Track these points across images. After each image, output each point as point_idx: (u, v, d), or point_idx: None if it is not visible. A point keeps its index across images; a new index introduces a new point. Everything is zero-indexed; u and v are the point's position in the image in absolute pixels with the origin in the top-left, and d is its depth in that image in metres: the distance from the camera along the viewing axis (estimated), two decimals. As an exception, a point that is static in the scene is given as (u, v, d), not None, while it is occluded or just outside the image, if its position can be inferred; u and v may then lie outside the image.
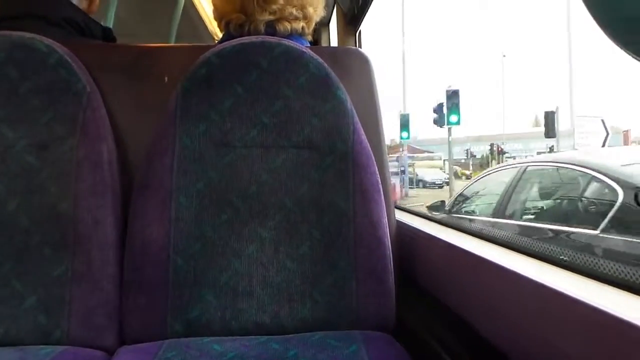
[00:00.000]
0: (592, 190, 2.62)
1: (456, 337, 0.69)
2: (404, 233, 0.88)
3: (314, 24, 0.93)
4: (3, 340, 0.70)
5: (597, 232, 2.34)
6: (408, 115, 18.07)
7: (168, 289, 0.72)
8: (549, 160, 3.64)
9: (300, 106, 0.76)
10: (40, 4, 0.97)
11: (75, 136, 0.75)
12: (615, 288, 0.47)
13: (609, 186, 2.45)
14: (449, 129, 14.41)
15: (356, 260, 0.74)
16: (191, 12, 3.11)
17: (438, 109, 14.43)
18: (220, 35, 0.94)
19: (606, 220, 2.30)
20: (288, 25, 0.86)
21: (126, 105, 0.85)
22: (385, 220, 0.77)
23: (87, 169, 0.74)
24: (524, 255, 0.62)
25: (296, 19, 0.88)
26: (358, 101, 0.81)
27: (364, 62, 0.90)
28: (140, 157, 0.77)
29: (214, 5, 0.91)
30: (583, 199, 2.65)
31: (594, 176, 2.59)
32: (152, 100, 0.85)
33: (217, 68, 0.76)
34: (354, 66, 0.90)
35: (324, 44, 2.39)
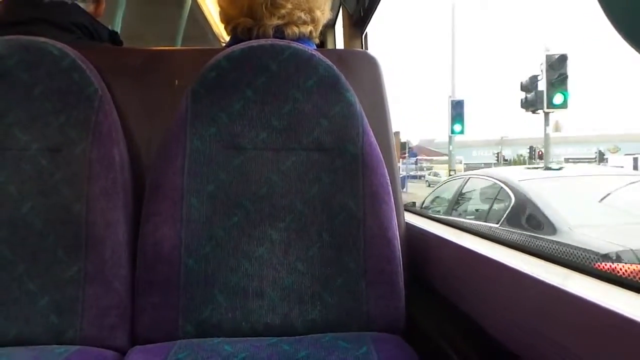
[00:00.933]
0: (500, 196, 3.70)
1: (466, 339, 0.69)
2: (413, 235, 0.88)
3: (321, 27, 0.94)
4: (17, 340, 0.70)
5: (497, 225, 3.45)
6: (462, 101, 13.90)
7: (179, 290, 0.72)
8: (480, 173, 4.95)
9: (310, 108, 0.77)
10: (50, 9, 0.98)
11: (88, 139, 0.75)
12: (628, 290, 0.47)
13: (508, 194, 3.54)
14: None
15: (366, 262, 0.74)
16: (197, 14, 3.13)
17: (531, 84, 9.46)
18: (226, 37, 0.95)
19: (502, 218, 3.45)
20: (296, 30, 0.86)
21: (137, 108, 0.86)
22: (395, 222, 0.77)
23: (99, 171, 0.75)
24: (534, 257, 0.62)
25: (304, 23, 0.88)
26: (367, 103, 0.81)
27: (372, 64, 0.91)
28: (151, 160, 0.78)
29: (220, 8, 0.91)
30: (495, 202, 3.76)
31: (501, 187, 3.68)
32: (163, 103, 0.85)
33: (227, 71, 0.76)
34: (363, 68, 0.90)
35: (329, 46, 2.40)
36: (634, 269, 2.37)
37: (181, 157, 0.74)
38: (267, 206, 0.75)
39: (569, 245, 2.63)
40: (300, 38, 0.88)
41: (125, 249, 0.74)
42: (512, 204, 3.44)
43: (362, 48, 1.88)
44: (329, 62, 0.78)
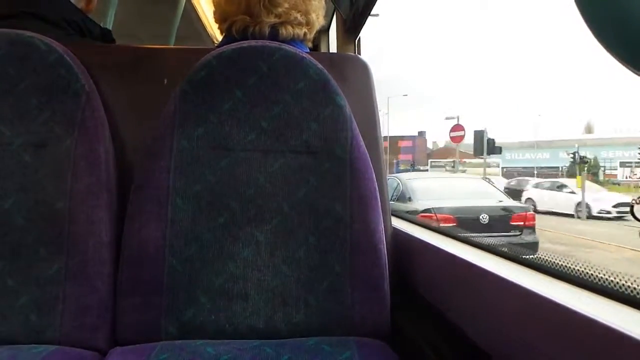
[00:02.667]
0: (397, 186, 6.52)
1: (450, 345, 0.69)
2: (399, 240, 0.88)
3: (315, 31, 0.94)
4: None
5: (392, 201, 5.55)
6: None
7: (162, 291, 0.72)
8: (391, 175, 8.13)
9: (299, 111, 0.77)
10: (40, 3, 0.97)
11: (73, 135, 0.74)
12: (603, 297, 0.47)
13: (399, 185, 6.59)
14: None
15: (352, 266, 0.74)
16: (191, 14, 3.12)
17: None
18: (219, 38, 0.95)
19: (393, 196, 6.16)
20: (291, 30, 0.87)
21: (125, 105, 0.85)
22: (382, 226, 0.77)
23: (84, 168, 0.74)
24: (518, 264, 0.63)
25: (299, 24, 0.88)
26: (356, 107, 0.81)
27: (363, 68, 0.91)
28: (137, 158, 0.77)
29: (216, 5, 0.91)
30: (394, 190, 6.35)
31: (398, 182, 6.65)
32: (151, 101, 0.85)
33: (216, 71, 0.76)
34: (353, 72, 0.90)
35: (323, 50, 2.41)
36: (427, 214, 5.55)
37: (168, 156, 0.74)
38: (254, 208, 0.75)
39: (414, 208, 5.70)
40: (295, 39, 0.88)
41: (108, 248, 0.73)
42: (400, 190, 6.42)
43: (355, 52, 1.88)
44: (320, 66, 0.78)
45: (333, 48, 2.19)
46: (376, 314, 0.75)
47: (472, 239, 0.78)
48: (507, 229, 5.64)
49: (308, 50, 0.91)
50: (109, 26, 2.05)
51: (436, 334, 0.74)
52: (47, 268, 0.71)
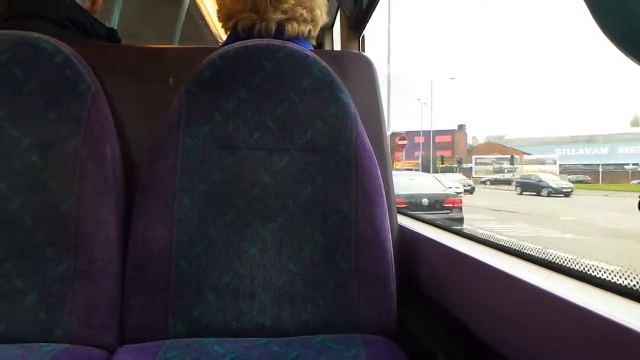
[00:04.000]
0: None
1: (457, 342, 0.69)
2: (405, 237, 0.88)
3: (319, 27, 0.94)
4: (4, 338, 0.70)
5: None
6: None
7: (170, 289, 0.72)
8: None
9: (304, 109, 0.77)
10: (46, 4, 0.98)
11: (80, 136, 0.75)
12: (613, 294, 0.47)
13: None
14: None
15: (358, 264, 0.74)
16: (195, 14, 3.13)
17: None
18: (224, 37, 0.95)
19: None
20: (297, 27, 0.87)
21: (131, 105, 0.86)
22: (388, 224, 0.77)
23: (90, 168, 0.74)
24: (525, 261, 0.62)
25: (305, 21, 0.89)
26: (361, 105, 0.81)
27: (367, 66, 0.91)
28: (143, 158, 0.77)
29: (221, 5, 0.91)
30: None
31: None
32: (157, 101, 0.85)
33: (221, 70, 0.76)
34: (358, 70, 0.90)
35: (327, 48, 2.40)
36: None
37: (174, 155, 0.74)
38: (260, 206, 0.75)
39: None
40: (300, 36, 0.89)
41: (116, 248, 0.74)
42: None
43: (359, 50, 1.88)
44: (324, 63, 0.78)
45: (337, 46, 2.19)
46: (383, 312, 0.75)
47: (480, 236, 0.78)
48: (441, 208, 8.25)
49: (312, 48, 0.91)
50: (115, 26, 2.06)
51: (443, 331, 0.74)
52: (55, 267, 0.72)
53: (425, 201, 8.19)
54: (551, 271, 0.57)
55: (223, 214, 0.74)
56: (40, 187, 0.73)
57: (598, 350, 0.41)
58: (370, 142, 0.79)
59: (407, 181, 8.83)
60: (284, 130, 0.77)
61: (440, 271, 0.77)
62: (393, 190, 0.88)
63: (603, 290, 0.48)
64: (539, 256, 0.61)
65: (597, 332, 0.40)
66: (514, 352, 0.53)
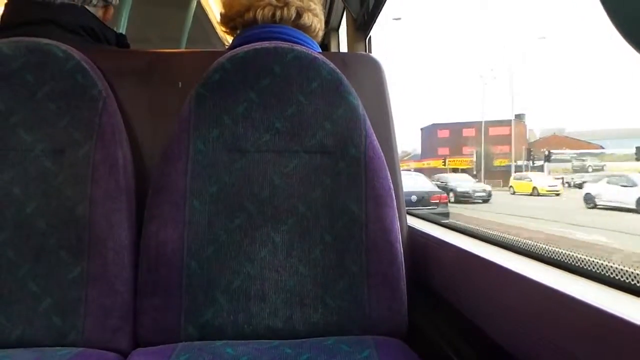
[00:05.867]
0: None
1: (469, 343, 0.69)
2: (415, 238, 0.88)
3: (322, 29, 0.96)
4: (19, 342, 0.71)
5: None
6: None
7: (182, 292, 0.72)
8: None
9: (313, 111, 0.77)
10: (57, 11, 0.99)
11: (92, 141, 0.76)
12: (625, 293, 0.47)
13: None
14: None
15: (368, 266, 0.74)
16: (202, 17, 3.15)
17: None
18: (230, 40, 0.96)
19: None
20: (312, 17, 0.91)
21: (141, 110, 0.86)
22: (397, 225, 0.77)
23: (102, 173, 0.75)
24: (537, 261, 0.62)
25: (315, 15, 0.92)
26: (370, 106, 0.81)
27: (375, 67, 0.91)
28: (154, 162, 0.78)
29: (234, 1, 0.92)
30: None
31: None
32: (167, 105, 0.86)
33: (230, 73, 0.76)
34: (365, 71, 0.90)
35: (333, 49, 2.41)
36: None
37: (184, 159, 0.75)
38: (270, 209, 0.75)
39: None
40: (312, 32, 0.92)
41: (128, 251, 0.74)
42: None
43: (366, 51, 1.88)
44: (332, 65, 0.78)
45: (343, 47, 2.19)
46: (394, 313, 0.75)
47: (491, 236, 0.78)
48: (428, 204, 9.11)
49: (320, 50, 0.91)
50: (123, 31, 2.08)
51: (455, 332, 0.74)
52: (69, 271, 0.72)
53: (414, 198, 8.88)
54: (564, 271, 0.56)
55: (233, 216, 0.75)
56: (54, 192, 0.74)
57: (613, 350, 0.40)
58: (379, 143, 0.79)
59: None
60: (293, 132, 0.77)
61: (451, 272, 0.77)
62: (402, 191, 0.88)
63: (618, 290, 0.47)
64: (551, 256, 0.61)
65: (612, 332, 0.40)
66: (526, 352, 0.53)
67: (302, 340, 0.70)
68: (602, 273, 0.51)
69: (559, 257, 0.59)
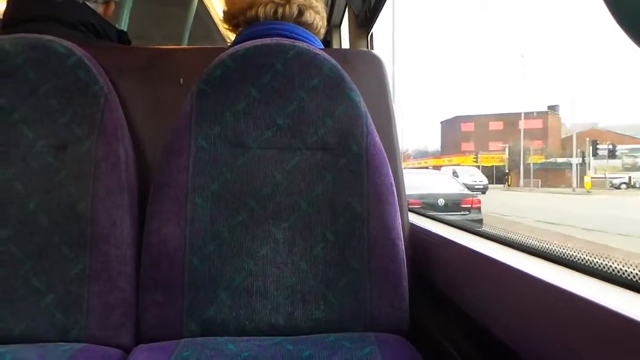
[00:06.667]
0: None
1: (470, 340, 0.69)
2: (417, 235, 0.88)
3: (325, 24, 0.96)
4: (22, 337, 0.71)
5: None
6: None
7: (184, 289, 0.73)
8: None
9: (314, 108, 0.77)
10: (59, 7, 0.99)
11: (93, 137, 0.76)
12: (632, 292, 0.46)
13: None
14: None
15: (370, 262, 0.74)
16: (203, 14, 3.14)
17: None
18: (232, 37, 0.96)
19: None
20: (314, 15, 0.91)
21: (142, 106, 0.86)
22: (399, 222, 0.77)
23: (104, 169, 0.75)
24: (539, 258, 0.62)
25: (317, 13, 0.92)
26: (371, 103, 0.81)
27: (377, 64, 0.91)
28: (156, 158, 0.78)
29: (231, 0, 0.92)
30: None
31: None
32: (168, 101, 0.86)
33: (231, 70, 0.76)
34: (367, 68, 0.90)
35: (335, 46, 2.40)
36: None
37: (186, 155, 0.75)
38: (272, 205, 0.75)
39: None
40: (313, 29, 0.92)
41: (130, 247, 0.75)
42: None
43: (368, 48, 1.88)
44: (334, 62, 0.78)
45: (345, 44, 2.19)
46: (395, 310, 0.75)
47: (493, 234, 0.77)
48: (458, 209, 7.67)
49: (322, 47, 0.91)
50: (124, 27, 2.08)
51: (456, 329, 0.74)
52: (71, 268, 0.73)
53: (441, 202, 7.67)
54: (566, 268, 0.56)
55: (235, 213, 0.75)
56: (57, 188, 0.74)
57: (618, 348, 0.40)
58: (381, 140, 0.79)
59: (421, 179, 8.41)
60: (295, 129, 0.77)
61: (453, 269, 0.77)
62: (404, 188, 0.88)
63: (623, 288, 0.47)
64: (554, 253, 0.61)
65: (617, 331, 0.40)
66: (528, 349, 0.53)
67: (303, 337, 0.70)
68: (612, 272, 0.51)
69: (566, 255, 0.59)
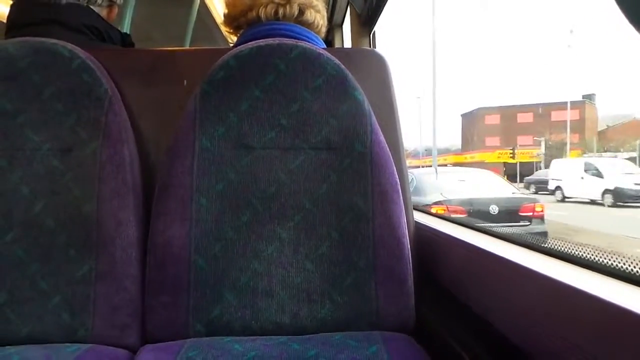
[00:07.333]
0: (412, 183, 5.88)
1: (476, 338, 0.69)
2: (422, 234, 0.88)
3: (326, 23, 0.96)
4: (29, 339, 0.71)
5: None
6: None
7: (189, 289, 0.73)
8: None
9: (318, 107, 0.77)
10: (63, 10, 0.99)
11: (98, 139, 0.76)
12: (636, 286, 0.46)
13: (414, 180, 6.09)
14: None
15: (375, 261, 0.74)
16: (205, 16, 3.15)
17: None
18: (234, 38, 0.96)
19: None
20: (314, 14, 0.91)
21: (146, 108, 0.87)
22: (404, 221, 0.77)
23: (109, 171, 0.75)
24: (546, 255, 0.62)
25: (318, 12, 0.92)
26: (375, 102, 0.81)
27: (380, 62, 0.90)
28: (161, 159, 0.78)
29: (236, 1, 0.92)
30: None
31: (412, 177, 6.29)
32: (172, 103, 0.86)
33: (235, 71, 0.76)
34: (370, 67, 0.90)
35: (337, 45, 2.40)
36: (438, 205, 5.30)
37: (190, 156, 0.75)
38: (276, 205, 0.75)
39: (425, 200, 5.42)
40: (314, 29, 0.92)
41: (136, 248, 0.75)
42: (414, 185, 5.90)
43: (370, 46, 1.87)
44: (337, 61, 0.78)
45: (347, 42, 2.19)
46: (401, 308, 0.75)
47: (497, 230, 0.77)
48: (516, 219, 5.68)
49: (325, 46, 0.91)
50: (127, 30, 2.09)
51: (462, 327, 0.74)
52: (77, 269, 0.73)
53: (493, 209, 5.74)
54: (573, 265, 0.56)
55: (240, 213, 0.75)
56: (62, 191, 0.75)
57: (627, 346, 0.40)
58: (385, 139, 0.78)
59: (455, 181, 6.67)
60: (299, 128, 0.77)
61: (458, 267, 0.77)
62: (409, 186, 0.88)
63: (627, 283, 0.47)
64: (560, 250, 0.60)
65: (627, 328, 0.40)
66: (535, 346, 0.53)
67: (309, 336, 0.70)
68: (618, 268, 0.50)
69: (573, 252, 0.59)
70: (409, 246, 0.76)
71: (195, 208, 0.74)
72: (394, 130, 0.87)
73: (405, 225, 0.77)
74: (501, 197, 6.10)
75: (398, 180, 0.78)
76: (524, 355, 0.55)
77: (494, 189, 6.53)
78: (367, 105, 0.78)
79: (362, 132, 0.76)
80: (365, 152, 0.76)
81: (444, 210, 5.37)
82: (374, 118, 0.78)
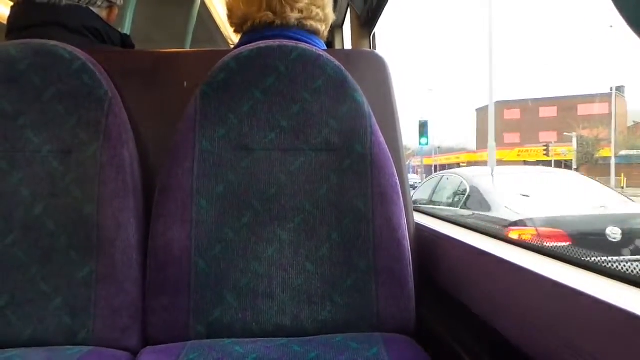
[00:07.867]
0: (461, 188, 5.07)
1: (477, 339, 0.69)
2: (422, 235, 0.88)
3: (329, 27, 0.95)
4: (30, 341, 0.71)
5: (457, 208, 4.87)
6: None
7: (190, 291, 0.73)
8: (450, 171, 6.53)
9: (318, 109, 0.77)
10: (63, 12, 0.99)
11: (98, 141, 0.76)
12: (635, 287, 0.46)
13: (465, 185, 5.02)
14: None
15: (376, 263, 0.74)
16: (206, 17, 3.15)
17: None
18: (235, 39, 0.95)
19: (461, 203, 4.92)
20: (314, 25, 0.90)
21: (147, 110, 0.87)
22: (404, 222, 0.77)
23: (110, 173, 0.75)
24: (547, 257, 0.62)
25: (320, 20, 0.91)
26: (375, 103, 0.81)
27: (380, 64, 0.90)
28: (161, 161, 0.78)
29: (233, 9, 0.92)
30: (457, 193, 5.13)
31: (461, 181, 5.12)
32: (172, 104, 0.86)
33: (235, 73, 0.76)
34: (370, 68, 0.90)
35: (337, 46, 2.40)
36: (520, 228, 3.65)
37: (190, 158, 0.75)
38: (276, 207, 0.75)
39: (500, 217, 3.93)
40: (315, 35, 0.91)
41: (136, 250, 0.75)
42: (467, 192, 4.88)
43: (370, 48, 1.87)
44: (337, 63, 0.78)
45: (348, 44, 2.19)
46: (402, 310, 0.75)
47: (498, 233, 0.77)
48: None
49: (325, 47, 0.91)
50: (127, 31, 2.09)
51: (463, 328, 0.74)
52: (78, 271, 0.73)
53: (614, 233, 3.48)
54: (572, 266, 0.56)
55: (240, 215, 0.75)
56: (63, 193, 0.75)
57: (629, 348, 0.40)
58: (385, 140, 0.79)
59: (531, 187, 4.41)
60: (299, 130, 0.77)
61: (459, 269, 0.77)
62: (408, 188, 0.88)
63: (631, 286, 0.47)
64: (560, 252, 0.60)
65: (628, 330, 0.40)
66: (536, 348, 0.53)
67: (310, 338, 0.70)
68: (620, 270, 0.50)
69: (574, 255, 0.59)
70: (409, 247, 0.76)
71: (195, 210, 0.74)
72: (394, 132, 0.87)
73: (405, 227, 0.77)
74: (620, 214, 3.82)
75: (398, 182, 0.78)
76: (525, 356, 0.55)
77: (597, 199, 4.19)
78: (367, 106, 0.78)
79: (362, 134, 0.76)
80: (365, 153, 0.76)
81: (534, 236, 3.48)
82: (373, 119, 0.78)
